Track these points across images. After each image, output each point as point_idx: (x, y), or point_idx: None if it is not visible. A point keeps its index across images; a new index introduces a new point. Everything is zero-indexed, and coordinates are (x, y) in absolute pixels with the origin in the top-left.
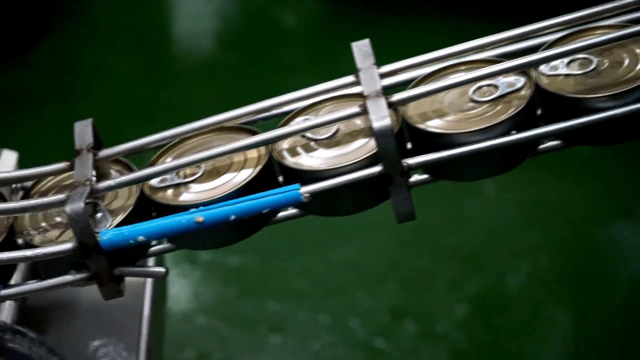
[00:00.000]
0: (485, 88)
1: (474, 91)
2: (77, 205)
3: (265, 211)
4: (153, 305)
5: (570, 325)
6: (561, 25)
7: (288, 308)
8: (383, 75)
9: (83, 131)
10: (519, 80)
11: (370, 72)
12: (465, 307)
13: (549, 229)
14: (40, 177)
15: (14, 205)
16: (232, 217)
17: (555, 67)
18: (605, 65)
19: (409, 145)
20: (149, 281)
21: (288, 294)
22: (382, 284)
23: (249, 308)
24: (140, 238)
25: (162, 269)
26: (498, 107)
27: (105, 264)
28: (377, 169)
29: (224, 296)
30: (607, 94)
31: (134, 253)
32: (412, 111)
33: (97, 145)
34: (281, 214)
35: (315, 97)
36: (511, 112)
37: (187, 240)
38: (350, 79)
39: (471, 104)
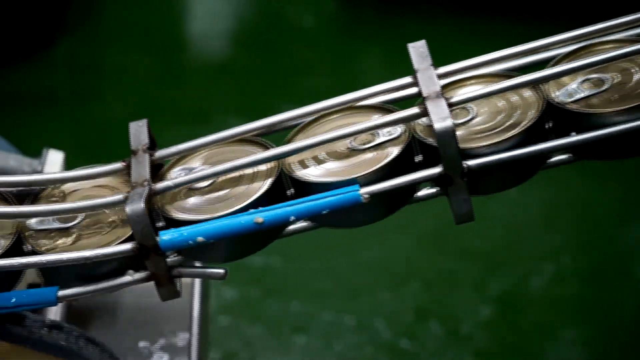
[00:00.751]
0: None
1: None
2: (138, 206)
3: (324, 212)
4: (202, 305)
5: (594, 325)
6: (576, 39)
7: (312, 308)
8: (441, 76)
9: (138, 131)
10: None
11: (428, 73)
12: (489, 308)
13: (572, 229)
14: (96, 177)
15: (71, 206)
16: (292, 217)
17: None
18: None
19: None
20: (197, 281)
21: (312, 295)
22: (405, 285)
23: (272, 308)
24: (200, 239)
25: (221, 270)
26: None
27: (164, 264)
28: (437, 169)
29: (248, 297)
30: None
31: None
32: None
33: (152, 145)
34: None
35: (371, 98)
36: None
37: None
38: (407, 80)
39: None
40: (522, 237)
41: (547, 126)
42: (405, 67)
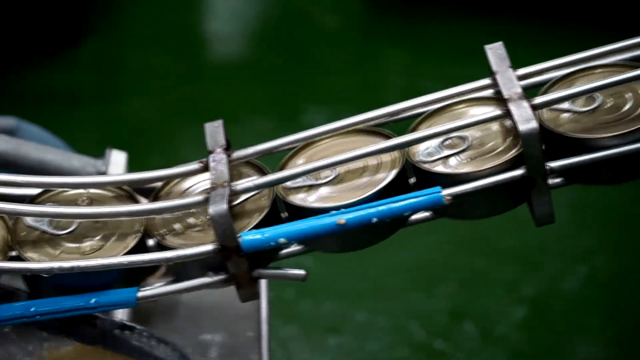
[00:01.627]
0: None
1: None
2: (221, 207)
3: (406, 214)
4: (269, 305)
5: (628, 325)
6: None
7: (345, 309)
8: (521, 78)
9: (215, 132)
10: None
11: (507, 75)
12: (524, 309)
13: (604, 230)
14: (174, 178)
15: (154, 206)
16: (374, 219)
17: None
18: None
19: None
20: (263, 282)
21: (345, 295)
22: (438, 286)
23: (306, 309)
24: (282, 240)
25: (302, 272)
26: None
27: (245, 266)
28: (519, 171)
29: (281, 297)
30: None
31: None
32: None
33: (228, 145)
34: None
35: (449, 99)
36: None
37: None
38: (485, 81)
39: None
40: (554, 238)
41: None
42: (429, 67)
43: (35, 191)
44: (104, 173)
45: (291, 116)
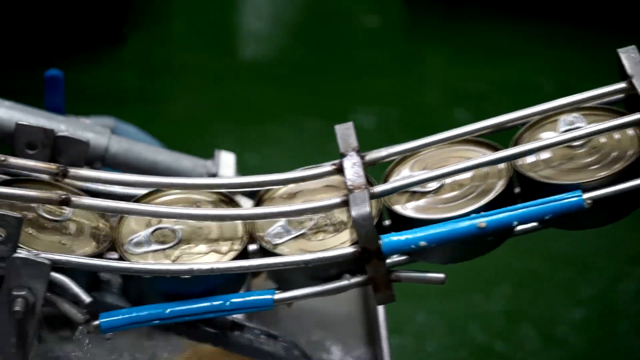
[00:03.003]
0: None
1: None
2: (364, 209)
3: (547, 217)
4: (386, 308)
5: None
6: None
7: (405, 310)
8: None
9: (346, 134)
10: None
11: None
12: (582, 311)
13: None
14: (307, 180)
15: (293, 208)
16: (515, 222)
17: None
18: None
19: None
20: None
21: (404, 296)
22: (496, 287)
23: None
24: (422, 243)
25: (441, 275)
26: None
27: (384, 268)
28: None
29: None
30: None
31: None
32: None
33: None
34: None
35: (587, 102)
36: None
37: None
38: (619, 85)
39: None
40: (611, 240)
41: None
42: (471, 68)
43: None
44: (214, 174)
45: (338, 117)
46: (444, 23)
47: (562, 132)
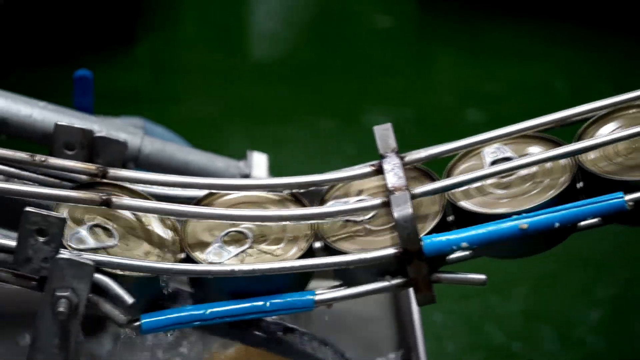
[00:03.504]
0: None
1: None
2: (406, 211)
3: (587, 219)
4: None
5: None
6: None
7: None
8: None
9: (385, 135)
10: None
11: None
12: (600, 312)
13: None
14: (345, 181)
15: (331, 210)
16: (556, 224)
17: None
18: None
19: None
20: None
21: None
22: (513, 288)
23: None
24: (464, 244)
25: (482, 276)
26: None
27: (425, 270)
28: None
29: None
30: None
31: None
32: None
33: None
34: None
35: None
36: None
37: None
38: None
39: None
40: (627, 241)
41: None
42: (485, 68)
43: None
44: (247, 175)
45: (352, 117)
46: (456, 23)
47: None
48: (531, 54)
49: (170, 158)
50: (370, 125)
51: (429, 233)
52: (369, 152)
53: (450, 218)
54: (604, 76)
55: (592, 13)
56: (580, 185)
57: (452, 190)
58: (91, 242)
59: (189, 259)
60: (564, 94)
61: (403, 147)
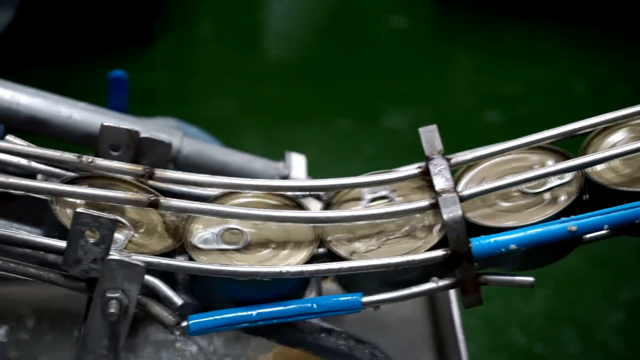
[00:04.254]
0: None
1: None
2: (456, 213)
3: (637, 221)
4: (460, 311)
5: None
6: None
7: None
8: None
9: (430, 137)
10: None
11: None
12: (622, 314)
13: None
14: (392, 182)
15: (377, 212)
16: (605, 226)
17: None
18: None
19: None
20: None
21: None
22: (535, 289)
23: None
24: (512, 246)
25: (530, 278)
26: None
27: (473, 271)
28: None
29: None
30: None
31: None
32: None
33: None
34: None
35: None
36: None
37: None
38: None
39: None
40: None
41: None
42: (502, 70)
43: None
44: (286, 176)
45: (370, 118)
46: (472, 24)
47: None
48: (550, 55)
49: (209, 159)
50: (388, 126)
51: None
52: (388, 152)
53: None
54: (623, 78)
55: (611, 15)
56: (586, 197)
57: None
58: (218, 244)
59: None
60: (583, 95)
61: (422, 147)
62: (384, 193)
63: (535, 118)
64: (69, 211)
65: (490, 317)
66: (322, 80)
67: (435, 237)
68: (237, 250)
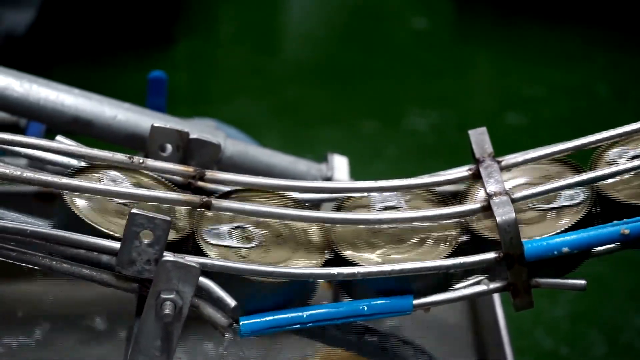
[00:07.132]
0: None
1: None
2: (510, 215)
3: None
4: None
5: None
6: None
7: None
8: None
9: (481, 140)
10: None
11: None
12: None
13: None
14: (442, 185)
15: (415, 215)
16: None
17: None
18: None
19: None
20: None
21: None
22: (561, 292)
23: None
24: (565, 249)
25: (582, 281)
26: None
27: (525, 274)
28: None
29: None
30: None
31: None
32: None
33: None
34: None
35: None
36: None
37: None
38: None
39: None
40: None
41: None
42: (523, 72)
43: None
44: (329, 178)
45: (393, 119)
46: (493, 25)
47: None
48: (572, 57)
49: (253, 160)
50: (411, 127)
51: None
52: (411, 154)
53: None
54: None
55: (634, 18)
56: (596, 210)
57: None
58: (229, 240)
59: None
60: (606, 98)
61: (445, 148)
62: (394, 203)
63: (557, 121)
64: (78, 202)
65: (515, 320)
66: (343, 82)
67: (447, 249)
68: (249, 248)
